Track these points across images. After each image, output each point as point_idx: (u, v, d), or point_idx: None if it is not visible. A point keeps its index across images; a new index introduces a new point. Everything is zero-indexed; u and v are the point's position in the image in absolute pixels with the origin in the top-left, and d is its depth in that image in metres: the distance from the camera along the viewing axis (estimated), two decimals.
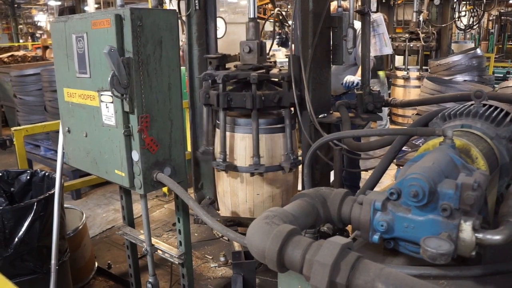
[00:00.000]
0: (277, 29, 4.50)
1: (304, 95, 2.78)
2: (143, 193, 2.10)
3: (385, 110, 6.62)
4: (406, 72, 7.50)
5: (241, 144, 3.00)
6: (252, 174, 2.92)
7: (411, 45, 7.64)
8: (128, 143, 1.99)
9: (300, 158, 3.05)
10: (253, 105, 2.79)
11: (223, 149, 2.94)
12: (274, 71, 3.03)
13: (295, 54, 2.88)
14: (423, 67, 7.52)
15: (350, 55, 2.97)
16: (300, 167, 3.22)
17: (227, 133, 3.03)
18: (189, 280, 2.46)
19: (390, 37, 7.32)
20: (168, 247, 2.42)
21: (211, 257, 3.39)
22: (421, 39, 7.50)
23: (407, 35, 7.78)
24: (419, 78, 7.38)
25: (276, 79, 3.03)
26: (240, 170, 2.99)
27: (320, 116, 2.89)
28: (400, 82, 7.59)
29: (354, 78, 3.70)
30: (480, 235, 1.05)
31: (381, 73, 6.68)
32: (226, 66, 3.30)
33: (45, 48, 12.95)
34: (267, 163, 2.99)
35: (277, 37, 3.75)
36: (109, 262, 3.35)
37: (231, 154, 3.03)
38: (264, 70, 3.01)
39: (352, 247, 1.04)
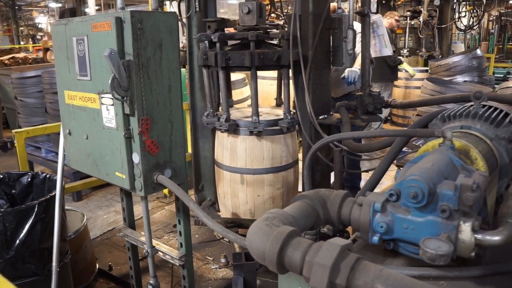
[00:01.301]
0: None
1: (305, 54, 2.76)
2: (143, 195, 2.10)
3: (384, 111, 6.63)
4: (406, 50, 7.48)
5: (241, 146, 3.00)
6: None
7: (412, 23, 7.62)
8: (128, 145, 2.00)
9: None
10: (252, 63, 2.76)
11: (225, 109, 2.94)
12: (274, 31, 3.02)
13: (294, 13, 2.84)
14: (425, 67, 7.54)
15: (350, 56, 2.97)
16: (300, 168, 3.23)
17: (230, 137, 3.04)
18: (190, 281, 2.46)
19: (391, 17, 7.34)
20: (169, 249, 2.42)
21: (211, 259, 3.40)
22: (423, 15, 7.49)
23: (408, 13, 7.78)
24: (422, 56, 7.38)
25: (276, 38, 3.00)
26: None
27: (320, 117, 2.89)
28: (401, 83, 7.59)
29: (354, 69, 3.64)
30: (479, 236, 1.05)
31: (408, 68, 6.58)
32: (226, 31, 3.27)
33: (46, 50, 12.96)
34: (268, 165, 3.00)
35: None
36: (110, 264, 3.35)
37: (232, 155, 3.04)
38: (263, 32, 2.98)
39: (352, 248, 1.04)
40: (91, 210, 4.52)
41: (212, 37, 2.84)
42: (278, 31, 3.03)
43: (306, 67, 2.82)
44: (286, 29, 3.83)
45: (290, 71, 2.91)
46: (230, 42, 3.17)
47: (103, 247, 3.68)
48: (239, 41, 3.07)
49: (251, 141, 2.92)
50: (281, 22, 3.49)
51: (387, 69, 6.11)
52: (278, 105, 3.56)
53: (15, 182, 2.85)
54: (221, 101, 3.07)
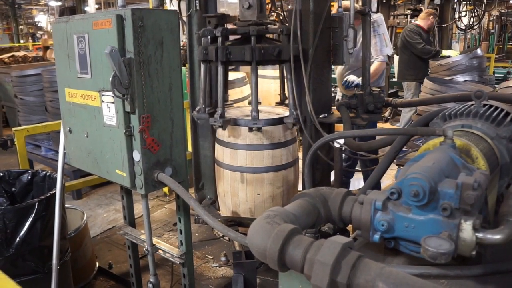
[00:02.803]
0: None
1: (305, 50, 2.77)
2: (144, 193, 2.10)
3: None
4: None
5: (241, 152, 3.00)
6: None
7: (412, 21, 7.63)
8: (129, 143, 1.99)
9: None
10: (253, 57, 2.76)
11: (221, 105, 2.93)
12: (274, 26, 3.02)
13: (295, 8, 2.84)
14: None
15: (351, 55, 2.97)
16: (300, 166, 3.22)
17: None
18: (190, 280, 2.46)
19: (391, 14, 7.34)
20: (169, 247, 2.42)
21: (212, 257, 3.40)
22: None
23: (408, 11, 7.78)
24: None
25: (276, 34, 3.01)
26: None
27: (320, 116, 2.89)
28: None
29: (355, 78, 3.69)
30: (480, 235, 1.05)
31: (449, 52, 6.63)
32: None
33: (46, 48, 12.95)
34: (268, 163, 3.00)
35: None
36: (110, 262, 3.35)
37: (232, 154, 3.04)
38: (263, 27, 2.98)
39: (353, 246, 1.04)
40: (91, 208, 4.52)
41: (215, 32, 2.85)
42: (277, 26, 3.03)
43: (307, 65, 2.82)
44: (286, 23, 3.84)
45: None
46: (231, 37, 3.17)
47: (103, 245, 3.68)
48: (239, 36, 3.07)
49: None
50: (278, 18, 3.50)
51: (421, 69, 6.31)
52: (282, 100, 3.55)
53: (15, 180, 2.85)
54: (218, 96, 3.03)
